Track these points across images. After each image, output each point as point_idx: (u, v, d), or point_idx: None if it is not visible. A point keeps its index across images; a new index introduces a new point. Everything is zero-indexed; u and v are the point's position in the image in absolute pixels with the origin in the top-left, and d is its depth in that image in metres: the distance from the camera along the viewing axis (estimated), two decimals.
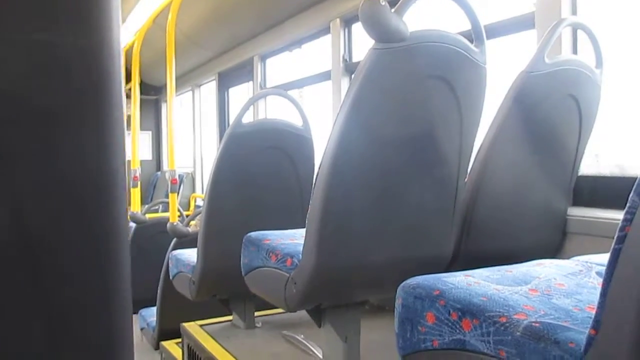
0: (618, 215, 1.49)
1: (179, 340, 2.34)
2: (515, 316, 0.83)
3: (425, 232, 1.45)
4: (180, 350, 2.33)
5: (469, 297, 0.90)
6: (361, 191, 1.32)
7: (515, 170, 1.50)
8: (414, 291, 0.97)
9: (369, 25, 1.20)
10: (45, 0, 0.31)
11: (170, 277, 2.42)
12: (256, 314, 2.27)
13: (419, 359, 0.96)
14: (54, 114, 0.31)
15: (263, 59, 4.05)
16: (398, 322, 0.99)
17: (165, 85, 2.93)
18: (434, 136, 1.37)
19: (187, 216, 3.10)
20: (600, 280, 1.02)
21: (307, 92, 3.73)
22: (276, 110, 3.87)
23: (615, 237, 0.67)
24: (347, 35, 3.00)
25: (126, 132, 0.41)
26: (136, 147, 3.70)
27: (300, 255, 1.37)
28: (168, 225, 2.61)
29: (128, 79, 3.64)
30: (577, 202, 1.69)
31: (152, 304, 2.97)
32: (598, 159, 1.82)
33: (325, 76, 3.20)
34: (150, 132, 7.04)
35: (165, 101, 6.17)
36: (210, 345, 2.04)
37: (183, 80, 5.50)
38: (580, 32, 1.75)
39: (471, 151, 1.45)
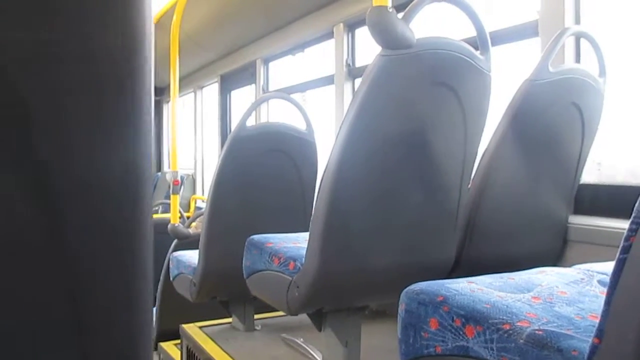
0: (619, 224, 1.52)
1: (178, 341, 2.33)
2: (518, 323, 0.83)
3: (428, 238, 1.45)
4: (178, 352, 2.32)
5: (472, 303, 0.91)
6: (366, 196, 1.33)
7: (518, 177, 1.51)
8: (418, 297, 0.98)
9: (376, 31, 1.21)
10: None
11: (171, 278, 2.41)
12: (256, 316, 2.27)
13: None
14: (88, 114, 0.32)
15: (266, 62, 4.06)
16: (401, 327, 1.00)
17: (168, 86, 2.93)
18: (438, 143, 1.38)
19: (187, 218, 3.10)
20: (602, 288, 1.03)
21: (310, 96, 3.74)
22: (279, 114, 3.87)
23: (620, 246, 0.67)
24: (351, 40, 3.00)
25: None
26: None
27: (303, 259, 1.38)
28: (169, 226, 2.61)
29: None
30: (578, 210, 1.70)
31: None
32: (600, 167, 1.82)
33: (329, 80, 3.21)
34: None
35: (167, 102, 6.18)
36: (209, 347, 2.03)
37: (185, 81, 5.50)
38: (583, 41, 1.76)
39: (475, 158, 1.46)
